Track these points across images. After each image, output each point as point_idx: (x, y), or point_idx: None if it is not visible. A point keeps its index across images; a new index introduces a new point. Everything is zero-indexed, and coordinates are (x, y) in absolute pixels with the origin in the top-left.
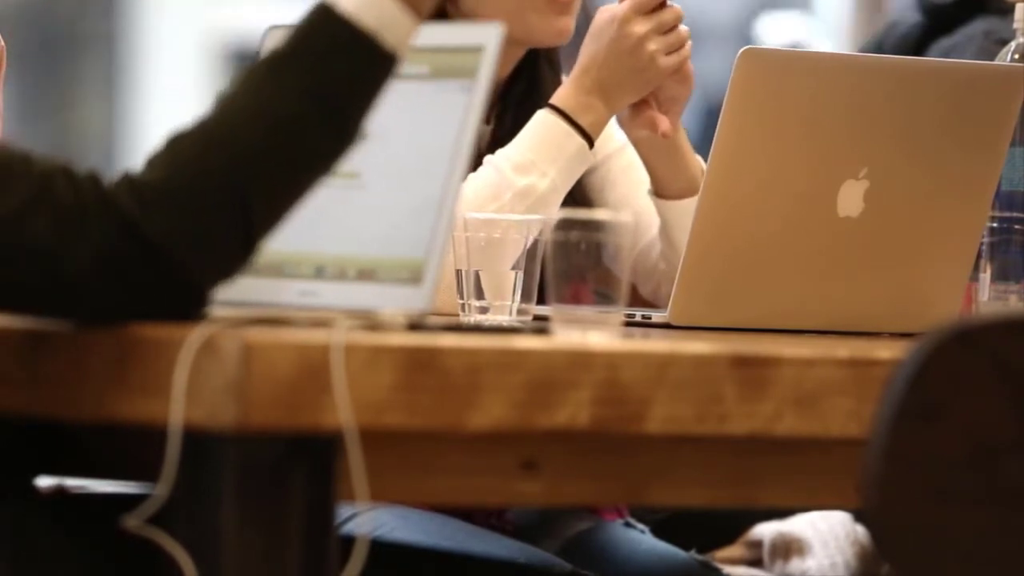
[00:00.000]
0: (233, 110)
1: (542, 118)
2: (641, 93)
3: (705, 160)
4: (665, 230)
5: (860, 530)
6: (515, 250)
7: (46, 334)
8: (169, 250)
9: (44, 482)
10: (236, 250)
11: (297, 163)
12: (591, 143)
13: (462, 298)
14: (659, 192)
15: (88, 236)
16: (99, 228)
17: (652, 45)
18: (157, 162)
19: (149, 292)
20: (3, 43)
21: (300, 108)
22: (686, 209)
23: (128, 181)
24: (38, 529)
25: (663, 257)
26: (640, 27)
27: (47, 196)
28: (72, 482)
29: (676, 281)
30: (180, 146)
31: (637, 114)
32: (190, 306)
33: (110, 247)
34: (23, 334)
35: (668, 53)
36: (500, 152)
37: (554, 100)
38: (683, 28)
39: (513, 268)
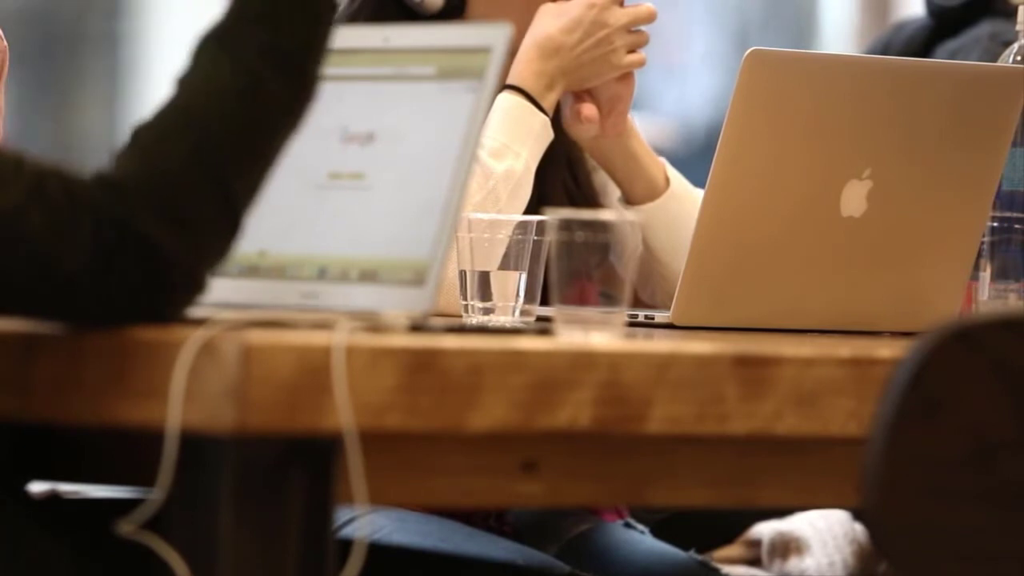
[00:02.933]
0: (192, 91)
1: (507, 102)
2: (591, 82)
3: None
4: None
5: (858, 529)
6: (517, 250)
7: (41, 337)
8: (159, 242)
9: (38, 487)
10: (223, 228)
11: (265, 128)
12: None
13: (465, 299)
14: (626, 199)
15: (81, 236)
16: (92, 228)
17: (619, 40)
18: (127, 157)
19: (144, 287)
20: (6, 44)
21: (258, 72)
22: (652, 213)
23: (104, 179)
24: (32, 534)
25: (646, 262)
26: (616, 18)
27: (39, 197)
28: (66, 487)
29: (679, 281)
30: (147, 138)
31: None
32: (187, 294)
33: (104, 246)
34: (18, 337)
35: (628, 51)
36: None
37: (516, 80)
38: (645, 29)
39: (517, 269)
